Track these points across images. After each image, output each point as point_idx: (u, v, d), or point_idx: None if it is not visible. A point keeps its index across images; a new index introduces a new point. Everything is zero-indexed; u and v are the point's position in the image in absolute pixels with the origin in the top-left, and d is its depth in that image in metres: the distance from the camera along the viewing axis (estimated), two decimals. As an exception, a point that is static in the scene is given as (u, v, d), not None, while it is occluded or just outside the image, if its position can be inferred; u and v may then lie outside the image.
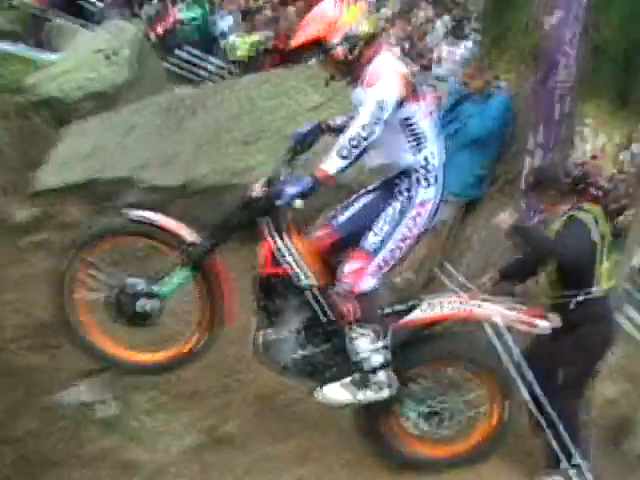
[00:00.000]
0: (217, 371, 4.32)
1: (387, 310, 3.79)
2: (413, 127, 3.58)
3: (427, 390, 3.90)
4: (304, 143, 3.85)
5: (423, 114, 3.60)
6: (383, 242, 3.62)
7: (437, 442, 3.97)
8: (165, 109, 6.79)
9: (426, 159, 3.63)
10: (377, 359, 3.65)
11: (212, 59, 12.33)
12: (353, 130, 3.39)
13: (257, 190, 3.58)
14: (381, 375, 3.66)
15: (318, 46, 3.54)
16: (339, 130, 3.72)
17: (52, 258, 5.53)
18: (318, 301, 3.67)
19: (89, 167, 6.39)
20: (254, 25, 12.99)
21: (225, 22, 13.36)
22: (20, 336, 4.37)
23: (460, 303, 3.77)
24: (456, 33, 16.20)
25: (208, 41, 13.36)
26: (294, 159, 3.76)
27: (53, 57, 9.25)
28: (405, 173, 3.67)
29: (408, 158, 3.63)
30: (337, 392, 3.71)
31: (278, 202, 3.42)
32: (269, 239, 3.62)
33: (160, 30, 12.49)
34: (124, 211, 3.74)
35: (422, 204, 3.65)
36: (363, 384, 3.67)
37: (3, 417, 3.37)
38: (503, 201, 5.02)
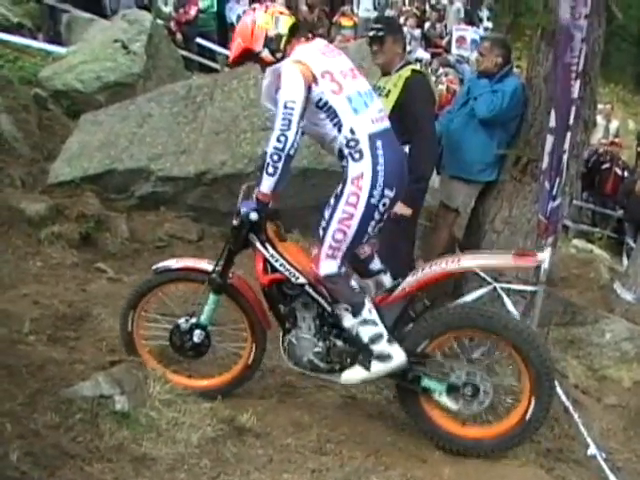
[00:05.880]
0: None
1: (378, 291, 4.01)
2: (326, 107, 3.72)
3: (446, 364, 3.91)
4: None
5: (330, 92, 3.71)
6: (326, 227, 3.77)
7: (480, 422, 4.00)
8: (182, 97, 6.69)
9: (351, 131, 3.71)
10: (366, 332, 3.77)
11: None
12: (270, 146, 3.62)
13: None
14: (379, 347, 3.77)
15: (249, 56, 3.90)
16: None
17: (69, 250, 5.57)
18: (315, 295, 3.89)
19: (104, 157, 6.37)
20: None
21: (237, 9, 13.34)
22: (38, 328, 4.37)
23: (440, 264, 3.82)
24: (470, 18, 16.08)
25: (225, 28, 13.36)
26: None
27: (65, 50, 9.26)
28: (340, 153, 3.79)
29: (334, 137, 3.76)
30: (353, 372, 3.89)
31: (236, 222, 3.83)
32: (258, 251, 3.91)
33: (183, 19, 12.52)
34: (153, 267, 4.13)
35: (356, 180, 3.71)
36: (368, 358, 3.81)
37: (20, 410, 3.31)
38: (525, 181, 4.90)
